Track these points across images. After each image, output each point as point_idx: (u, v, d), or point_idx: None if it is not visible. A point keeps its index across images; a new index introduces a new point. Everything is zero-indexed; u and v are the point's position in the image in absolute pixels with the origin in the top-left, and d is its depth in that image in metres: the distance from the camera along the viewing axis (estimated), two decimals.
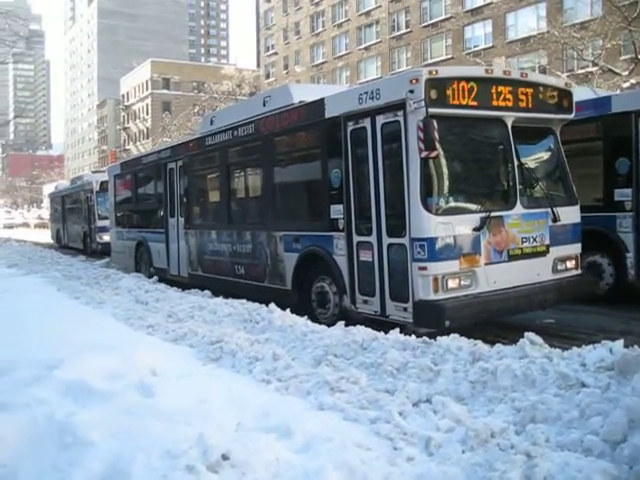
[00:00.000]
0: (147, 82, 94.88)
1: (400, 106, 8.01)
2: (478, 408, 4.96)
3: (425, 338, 6.52)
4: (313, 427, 4.52)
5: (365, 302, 8.79)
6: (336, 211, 9.28)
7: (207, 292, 12.33)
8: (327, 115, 9.46)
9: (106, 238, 23.36)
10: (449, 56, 47.60)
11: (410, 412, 4.90)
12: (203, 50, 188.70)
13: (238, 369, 6.60)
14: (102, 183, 25.28)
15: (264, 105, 11.55)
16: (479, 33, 46.27)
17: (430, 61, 47.93)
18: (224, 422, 4.51)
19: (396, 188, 8.19)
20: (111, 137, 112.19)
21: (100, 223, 26.03)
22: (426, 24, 50.83)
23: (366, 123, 8.69)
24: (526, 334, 6.01)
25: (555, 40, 33.06)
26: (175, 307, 10.38)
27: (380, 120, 8.45)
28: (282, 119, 10.70)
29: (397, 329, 7.22)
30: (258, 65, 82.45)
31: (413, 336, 6.75)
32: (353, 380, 5.64)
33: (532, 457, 3.79)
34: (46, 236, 40.56)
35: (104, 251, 23.43)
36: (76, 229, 30.76)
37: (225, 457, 3.83)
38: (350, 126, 8.98)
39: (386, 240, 8.38)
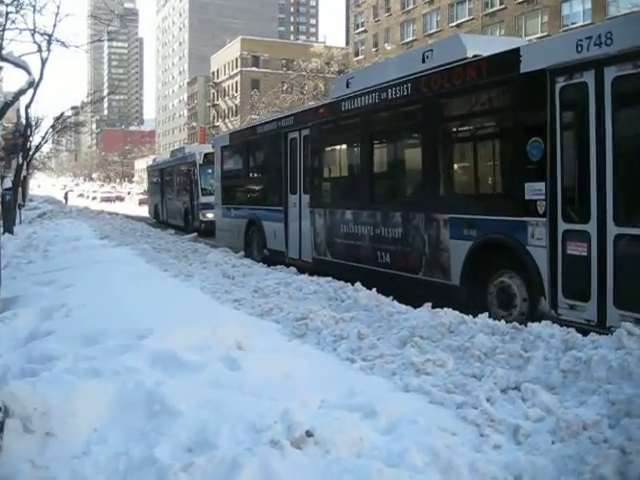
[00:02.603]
0: (237, 60, 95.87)
1: None
2: (570, 398, 4.78)
3: (515, 324, 6.33)
4: (398, 408, 4.50)
5: (572, 308, 7.21)
6: (534, 190, 7.61)
7: (292, 269, 12.39)
8: (523, 69, 7.81)
9: (210, 216, 21.77)
10: (545, 33, 45.92)
11: (498, 399, 4.80)
12: (292, 28, 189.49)
13: (323, 346, 6.63)
14: (206, 155, 23.80)
15: (423, 61, 10.00)
16: (577, 9, 44.19)
17: (525, 39, 46.37)
18: (308, 399, 4.54)
19: (633, 162, 6.76)
20: (201, 114, 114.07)
21: (204, 199, 24.12)
22: (521, 0, 49.21)
23: (587, 77, 6.98)
24: (623, 324, 5.67)
25: None
26: (261, 282, 10.50)
27: (611, 73, 6.73)
28: (453, 77, 9.10)
29: (486, 313, 6.94)
30: (347, 43, 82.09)
31: (502, 321, 6.56)
32: (439, 363, 5.57)
33: (627, 453, 3.61)
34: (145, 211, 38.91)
35: (208, 230, 21.57)
36: (176, 205, 28.85)
37: (309, 434, 3.82)
38: (560, 82, 7.30)
39: (612, 230, 6.70)
